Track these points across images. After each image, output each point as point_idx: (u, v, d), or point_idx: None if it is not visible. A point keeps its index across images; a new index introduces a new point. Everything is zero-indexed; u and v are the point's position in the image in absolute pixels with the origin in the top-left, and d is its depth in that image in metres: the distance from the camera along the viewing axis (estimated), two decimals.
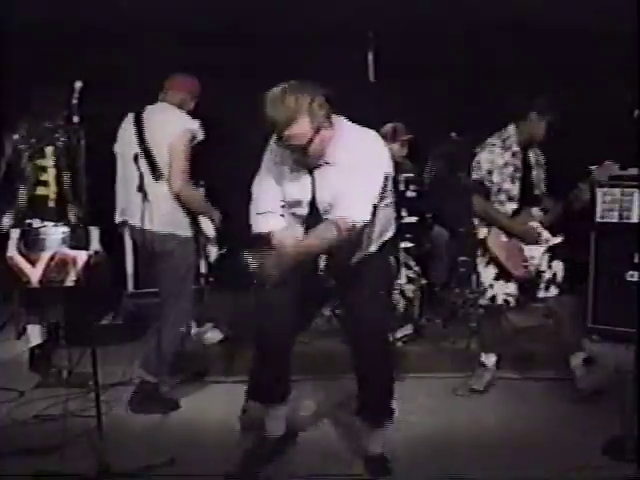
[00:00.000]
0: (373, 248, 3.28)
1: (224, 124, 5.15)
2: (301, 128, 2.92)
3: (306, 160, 3.05)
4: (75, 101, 3.29)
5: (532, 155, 4.21)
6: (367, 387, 3.33)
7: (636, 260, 4.83)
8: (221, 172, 5.27)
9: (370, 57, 4.99)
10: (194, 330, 5.07)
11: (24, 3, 5.30)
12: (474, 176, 4.10)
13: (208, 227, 4.07)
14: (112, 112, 4.19)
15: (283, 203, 3.20)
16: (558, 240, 4.14)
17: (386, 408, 3.39)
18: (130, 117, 4.03)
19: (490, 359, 4.27)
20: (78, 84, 3.30)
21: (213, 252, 4.17)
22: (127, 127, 4.03)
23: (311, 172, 3.10)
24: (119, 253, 5.37)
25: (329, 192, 3.07)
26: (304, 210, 3.16)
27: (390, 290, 4.64)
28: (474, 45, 5.72)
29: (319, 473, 3.34)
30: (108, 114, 4.18)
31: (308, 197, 3.12)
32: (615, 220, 4.96)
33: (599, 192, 4.97)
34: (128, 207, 3.96)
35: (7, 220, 4.33)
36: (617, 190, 4.94)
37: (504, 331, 4.37)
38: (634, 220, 4.86)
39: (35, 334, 4.52)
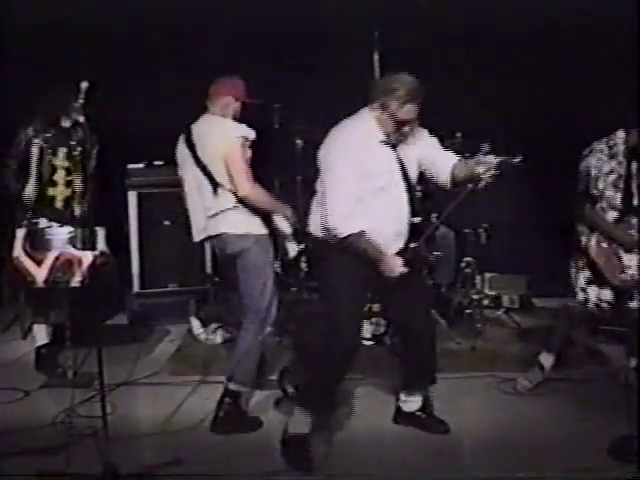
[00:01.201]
0: None
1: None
2: None
3: (406, 137, 3.53)
4: (81, 101, 3.29)
5: (634, 163, 4.08)
6: (419, 361, 3.82)
7: None
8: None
9: (376, 56, 5.00)
10: (200, 330, 5.09)
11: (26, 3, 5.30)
12: (583, 184, 4.04)
13: (283, 224, 3.98)
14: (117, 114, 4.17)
15: (372, 185, 3.44)
16: None
17: (433, 374, 3.87)
18: (182, 138, 3.98)
19: (549, 360, 4.25)
20: (84, 84, 3.29)
21: (292, 249, 4.06)
22: (182, 149, 3.99)
23: (394, 148, 3.52)
24: (125, 253, 5.36)
25: (413, 165, 3.57)
26: (399, 186, 3.50)
27: None
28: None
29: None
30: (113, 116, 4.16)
31: (397, 167, 3.50)
32: None
33: None
34: (205, 222, 3.92)
35: (31, 188, 4.35)
36: None
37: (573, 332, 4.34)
38: None
39: (41, 334, 4.54)
